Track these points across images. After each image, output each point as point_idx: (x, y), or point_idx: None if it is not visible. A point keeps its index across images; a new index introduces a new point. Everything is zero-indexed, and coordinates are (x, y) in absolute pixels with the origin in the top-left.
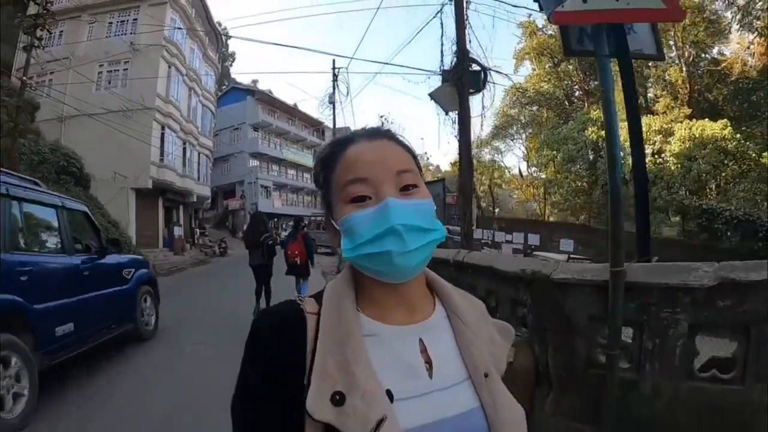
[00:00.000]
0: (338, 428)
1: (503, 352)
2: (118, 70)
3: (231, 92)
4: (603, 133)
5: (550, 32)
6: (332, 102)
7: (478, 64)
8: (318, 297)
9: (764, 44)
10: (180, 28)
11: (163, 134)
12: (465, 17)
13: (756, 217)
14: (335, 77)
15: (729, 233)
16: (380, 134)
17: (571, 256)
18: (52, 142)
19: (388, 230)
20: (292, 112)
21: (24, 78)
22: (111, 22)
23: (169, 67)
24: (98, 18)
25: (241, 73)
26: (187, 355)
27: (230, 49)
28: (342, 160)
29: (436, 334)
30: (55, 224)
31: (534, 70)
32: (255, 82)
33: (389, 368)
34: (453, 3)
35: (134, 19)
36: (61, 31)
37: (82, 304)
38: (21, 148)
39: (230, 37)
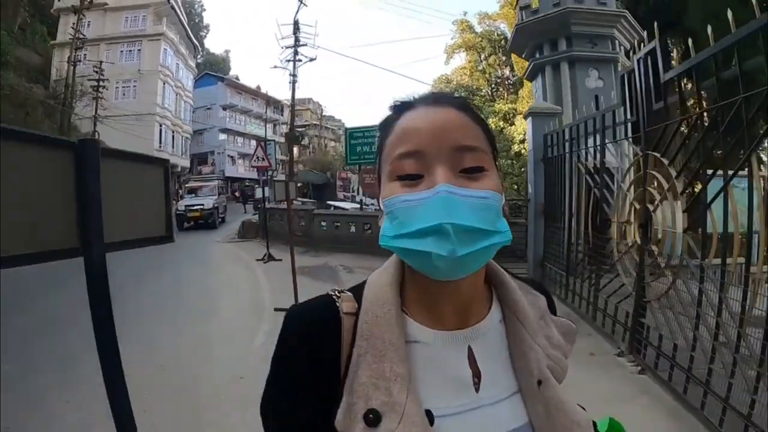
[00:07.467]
0: None
1: (563, 354)
2: (128, 87)
3: (205, 77)
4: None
5: (480, 30)
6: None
7: None
8: (358, 291)
9: None
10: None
11: (160, 130)
12: None
13: None
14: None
15: None
16: (446, 101)
17: None
18: (85, 135)
19: (434, 228)
20: (254, 93)
21: (95, 116)
22: (122, 51)
23: (164, 84)
24: (112, 47)
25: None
26: None
27: (205, 21)
28: (395, 128)
29: (489, 339)
30: None
31: (468, 62)
32: (227, 51)
33: (433, 380)
34: None
35: (138, 50)
36: (85, 54)
37: None
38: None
39: (204, 10)
